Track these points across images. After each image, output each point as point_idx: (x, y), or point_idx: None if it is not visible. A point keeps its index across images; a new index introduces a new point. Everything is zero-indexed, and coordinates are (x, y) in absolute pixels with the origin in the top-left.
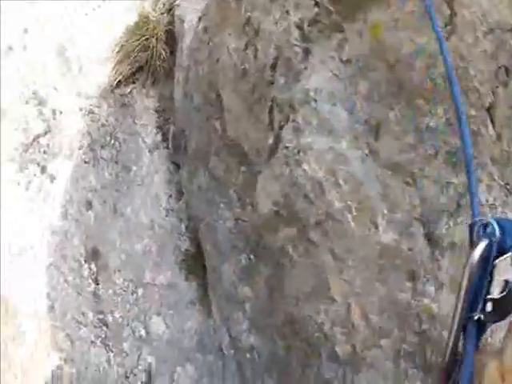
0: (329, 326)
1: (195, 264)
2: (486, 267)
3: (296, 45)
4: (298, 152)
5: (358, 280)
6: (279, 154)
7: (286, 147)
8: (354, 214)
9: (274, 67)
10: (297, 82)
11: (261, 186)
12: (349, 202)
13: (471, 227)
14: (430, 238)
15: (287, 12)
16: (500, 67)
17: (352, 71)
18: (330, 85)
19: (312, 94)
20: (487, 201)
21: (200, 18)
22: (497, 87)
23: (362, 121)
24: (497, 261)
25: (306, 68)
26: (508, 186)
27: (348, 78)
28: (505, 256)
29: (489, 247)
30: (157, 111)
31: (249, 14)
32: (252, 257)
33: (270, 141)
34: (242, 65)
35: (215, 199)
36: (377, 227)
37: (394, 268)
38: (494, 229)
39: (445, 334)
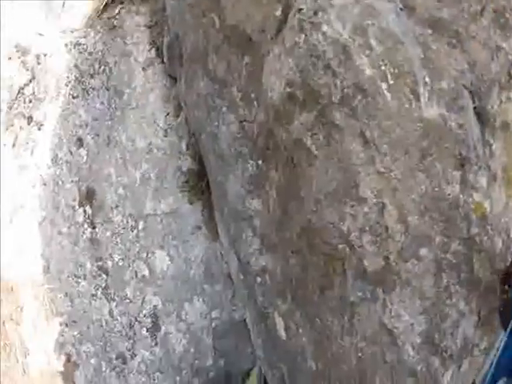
0: (356, 235)
1: (199, 183)
2: None
3: None
4: (315, 13)
5: (395, 171)
6: (291, 22)
7: (300, 10)
8: (390, 82)
9: None
10: None
11: (269, 70)
12: (383, 68)
13: None
14: (481, 115)
15: None
16: None
17: None
18: None
19: None
20: None
21: None
22: None
23: None
24: None
25: None
26: None
27: None
28: None
29: None
30: (149, 27)
31: None
32: (260, 162)
33: (278, 12)
34: None
35: (216, 104)
36: (418, 99)
37: (441, 152)
38: None
39: (497, 239)
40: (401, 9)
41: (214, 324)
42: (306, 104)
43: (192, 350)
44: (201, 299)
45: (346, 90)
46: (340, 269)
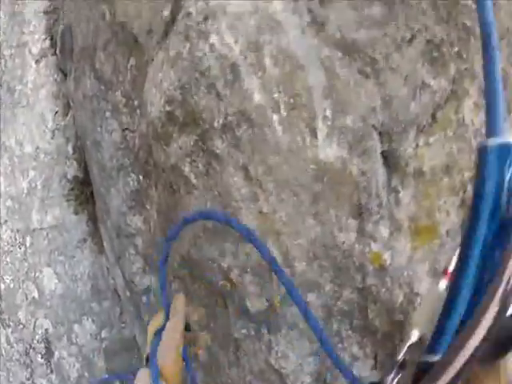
0: (237, 273)
1: (84, 192)
2: None
3: None
4: (205, 19)
5: (280, 212)
6: (177, 27)
7: (188, 14)
8: (283, 113)
9: None
10: None
11: (151, 80)
12: (275, 95)
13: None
14: (390, 160)
15: None
16: None
17: None
18: None
19: None
20: (472, 123)
21: None
22: None
23: None
24: None
25: None
26: None
27: None
28: None
29: None
30: (46, 12)
31: None
32: (141, 178)
33: (167, 12)
34: None
35: (101, 107)
36: (315, 136)
37: (336, 198)
38: None
39: (398, 292)
40: (307, 23)
41: (104, 344)
42: (186, 126)
43: (86, 374)
44: (90, 319)
45: (229, 117)
46: (222, 303)
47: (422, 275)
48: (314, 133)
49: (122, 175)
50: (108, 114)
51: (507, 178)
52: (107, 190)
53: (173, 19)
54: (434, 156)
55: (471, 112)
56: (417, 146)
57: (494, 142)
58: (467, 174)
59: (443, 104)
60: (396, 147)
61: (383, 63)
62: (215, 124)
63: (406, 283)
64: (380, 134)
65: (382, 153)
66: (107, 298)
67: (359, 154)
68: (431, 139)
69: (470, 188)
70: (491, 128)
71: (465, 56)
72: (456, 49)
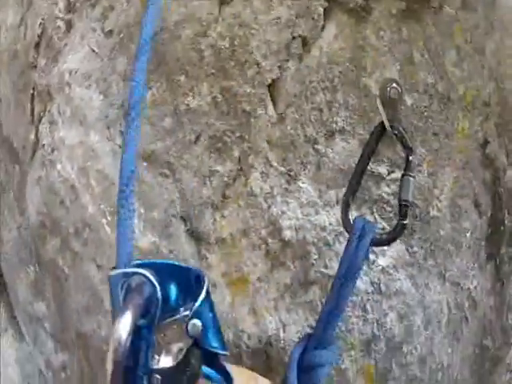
0: None
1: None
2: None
3: (60, 17)
4: (53, 150)
5: None
6: (38, 154)
7: (43, 145)
8: (108, 218)
9: (37, 47)
10: (55, 64)
11: (28, 191)
12: (102, 206)
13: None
14: (195, 235)
15: None
16: (295, 37)
17: (112, 45)
18: (86, 64)
19: (67, 76)
20: (261, 189)
21: None
22: (286, 60)
23: (117, 105)
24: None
25: (66, 45)
26: (291, 173)
27: (107, 54)
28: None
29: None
30: None
31: None
32: (38, 269)
33: (32, 136)
34: (14, 44)
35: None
36: (133, 230)
37: None
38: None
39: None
40: (119, 146)
41: None
42: (53, 232)
43: None
44: None
45: (77, 225)
46: None
47: (244, 316)
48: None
49: (23, 266)
50: (6, 212)
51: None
52: (14, 279)
53: (37, 143)
54: (231, 225)
55: (258, 181)
56: (214, 220)
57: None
58: (264, 231)
59: (232, 182)
60: (197, 225)
61: (177, 163)
62: (70, 230)
63: (232, 324)
64: (182, 217)
65: (188, 231)
66: (35, 377)
67: (166, 237)
68: (226, 212)
69: (270, 241)
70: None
71: (247, 137)
72: (238, 134)
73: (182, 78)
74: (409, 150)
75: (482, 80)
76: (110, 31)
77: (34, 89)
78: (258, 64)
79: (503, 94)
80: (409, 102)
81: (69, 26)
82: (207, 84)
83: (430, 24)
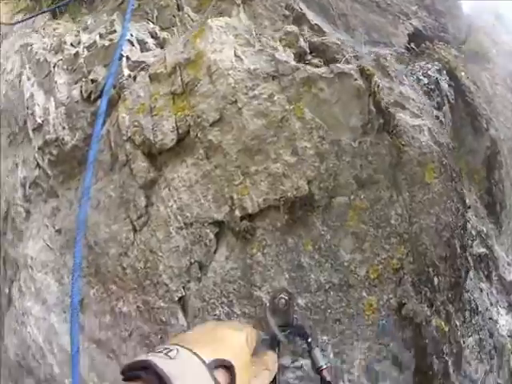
0: None
1: None
2: None
3: (19, 204)
4: (23, 314)
5: None
6: (12, 309)
7: (15, 306)
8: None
9: (5, 220)
10: (20, 243)
11: (6, 333)
12: (65, 369)
13: None
14: None
15: (16, 165)
16: (193, 263)
17: (62, 242)
18: (43, 254)
19: (29, 260)
20: None
21: None
22: (188, 281)
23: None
24: None
25: (27, 229)
26: None
27: (58, 249)
28: None
29: None
30: None
31: None
32: None
33: (7, 290)
34: None
35: None
36: None
37: None
38: None
39: None
40: None
41: None
42: (29, 373)
43: None
44: None
45: (47, 376)
46: None
47: None
48: None
49: None
50: None
51: None
52: None
53: (11, 300)
54: None
55: None
56: None
57: None
58: None
59: None
60: None
61: (118, 351)
62: (41, 376)
63: None
64: None
65: None
66: None
67: None
68: None
69: None
70: None
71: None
72: (159, 336)
73: (114, 286)
74: (306, 341)
75: (392, 248)
76: (59, 230)
77: (5, 254)
78: (166, 284)
79: (418, 251)
80: (302, 302)
81: (28, 213)
82: (131, 295)
83: (318, 222)
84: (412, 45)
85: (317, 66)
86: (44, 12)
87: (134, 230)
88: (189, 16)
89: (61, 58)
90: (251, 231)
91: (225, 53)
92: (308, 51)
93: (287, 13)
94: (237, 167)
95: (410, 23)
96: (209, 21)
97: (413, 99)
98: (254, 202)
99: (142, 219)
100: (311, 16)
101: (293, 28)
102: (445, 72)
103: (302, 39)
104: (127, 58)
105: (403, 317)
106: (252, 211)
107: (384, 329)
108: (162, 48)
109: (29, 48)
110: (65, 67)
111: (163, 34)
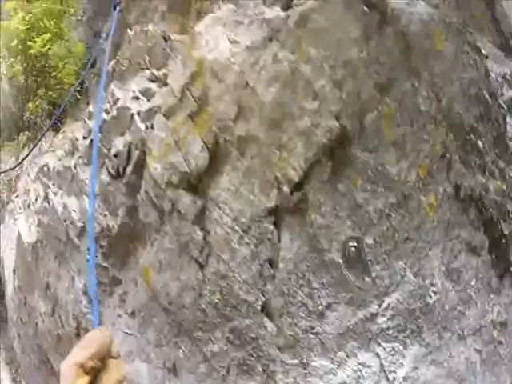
0: None
1: None
2: None
3: (87, 312)
4: None
5: None
6: None
7: None
8: None
9: (77, 334)
10: None
11: None
12: None
13: None
14: None
15: (73, 278)
16: (263, 263)
17: (138, 322)
18: (125, 344)
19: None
20: None
21: (14, 271)
22: (264, 284)
23: (161, 365)
24: None
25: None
26: None
27: (137, 330)
28: None
29: None
30: (7, 363)
31: (46, 279)
32: None
33: None
34: (55, 330)
35: None
36: None
37: None
38: None
39: None
40: None
41: None
42: None
43: None
44: None
45: None
46: None
47: None
48: None
49: None
50: None
51: None
52: None
53: None
54: None
55: None
56: None
57: None
58: None
59: None
60: None
61: None
62: None
63: None
64: None
65: None
66: None
67: None
68: None
69: None
70: None
71: (261, 354)
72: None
73: (199, 333)
74: None
75: (431, 136)
76: (132, 312)
77: None
78: (245, 300)
79: (455, 123)
80: (370, 241)
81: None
82: (218, 330)
83: (358, 152)
84: None
85: None
86: (44, 134)
87: (201, 267)
88: (177, 40)
89: (78, 155)
90: (304, 199)
91: (220, 46)
92: None
93: None
94: (270, 145)
95: None
96: (195, 28)
97: None
98: (296, 169)
99: (204, 252)
100: None
101: None
102: None
103: None
104: (138, 113)
105: (463, 199)
106: (298, 179)
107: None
108: (165, 86)
109: (45, 169)
110: (85, 161)
111: (161, 73)
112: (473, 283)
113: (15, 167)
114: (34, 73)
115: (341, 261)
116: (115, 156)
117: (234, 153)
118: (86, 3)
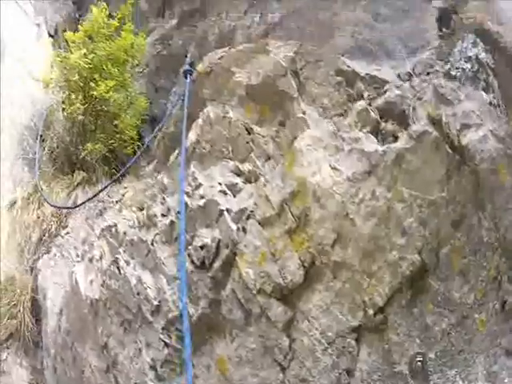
0: None
1: None
2: None
3: None
4: None
5: None
6: None
7: None
8: None
9: None
10: None
11: None
12: None
13: None
14: None
15: (140, 350)
16: (341, 373)
17: None
18: None
19: None
20: None
21: (61, 311)
22: None
23: None
24: None
25: None
26: None
27: None
28: None
29: None
30: None
31: (105, 339)
32: None
33: None
34: None
35: None
36: None
37: None
38: None
39: None
40: None
41: None
42: None
43: None
44: None
45: None
46: None
47: None
48: None
49: None
50: None
51: None
52: None
53: None
54: None
55: None
56: None
57: None
58: None
59: None
60: None
61: None
62: None
63: None
64: None
65: None
66: None
67: None
68: None
69: None
70: None
71: None
72: None
73: None
74: None
75: (488, 262)
76: None
77: None
78: None
79: (508, 248)
80: (432, 355)
81: None
82: None
83: (432, 282)
84: (444, 29)
85: (394, 136)
86: (110, 184)
87: (283, 369)
88: (259, 134)
89: (156, 232)
90: (384, 321)
91: (323, 171)
92: (380, 119)
93: (339, 79)
94: (362, 272)
95: (434, 7)
96: (295, 143)
97: (472, 111)
98: (382, 296)
99: (287, 357)
100: (358, 66)
101: (361, 104)
102: (478, 39)
103: (372, 112)
104: (227, 210)
105: (507, 311)
106: (382, 304)
107: None
108: (250, 182)
109: (113, 230)
110: (163, 240)
111: (245, 167)
112: (506, 381)
113: (74, 207)
114: (94, 114)
115: (407, 372)
116: (201, 247)
117: (329, 275)
118: (150, 57)
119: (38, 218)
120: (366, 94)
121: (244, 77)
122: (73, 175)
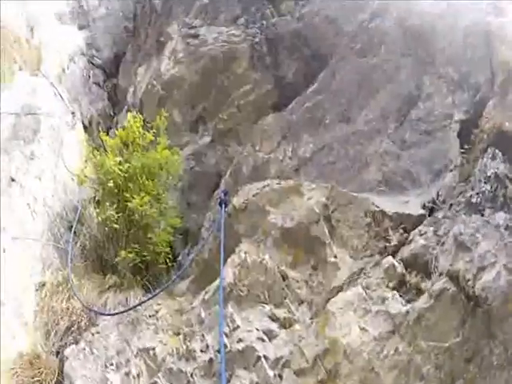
0: None
1: None
2: None
3: None
4: None
5: None
6: None
7: None
8: None
9: None
10: None
11: None
12: None
13: None
14: None
15: None
16: None
17: None
18: None
19: None
20: None
21: None
22: None
23: None
24: None
25: None
26: None
27: None
28: None
29: None
30: None
31: None
32: None
33: None
34: None
35: None
36: None
37: None
38: None
39: None
40: None
41: None
42: None
43: None
44: None
45: None
46: None
47: None
48: None
49: None
50: None
51: None
52: None
53: None
54: None
55: None
56: None
57: None
58: None
59: None
60: None
61: None
62: None
63: None
64: None
65: None
66: None
67: None
68: None
69: None
70: None
71: None
72: None
73: None
74: None
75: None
76: None
77: None
78: None
79: None
80: None
81: None
82: None
83: None
84: (465, 145)
85: (417, 288)
86: (146, 301)
87: None
88: (293, 279)
89: (195, 366)
90: None
91: (352, 332)
92: (404, 271)
93: (368, 220)
94: None
95: (456, 121)
96: (328, 306)
97: (488, 251)
98: None
99: None
100: (386, 205)
101: (388, 260)
102: (497, 151)
103: (398, 266)
104: (265, 357)
105: None
106: None
107: None
108: (284, 328)
109: (151, 352)
110: (202, 373)
111: (281, 313)
112: None
113: (107, 314)
114: (127, 223)
115: None
116: None
117: None
118: (182, 171)
119: (68, 308)
120: (393, 239)
121: (279, 218)
122: (104, 275)
